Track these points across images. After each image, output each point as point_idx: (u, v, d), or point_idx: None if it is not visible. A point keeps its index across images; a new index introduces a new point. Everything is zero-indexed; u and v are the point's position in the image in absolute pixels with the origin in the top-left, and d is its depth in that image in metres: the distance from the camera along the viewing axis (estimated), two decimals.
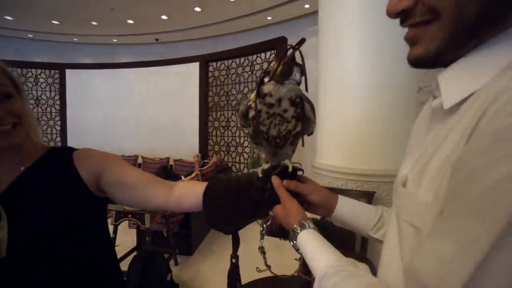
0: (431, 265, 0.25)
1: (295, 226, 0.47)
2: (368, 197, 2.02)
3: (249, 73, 4.61)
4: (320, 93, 2.49)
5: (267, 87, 0.50)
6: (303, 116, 0.51)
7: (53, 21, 5.21)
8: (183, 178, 3.25)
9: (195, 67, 5.09)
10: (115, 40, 6.27)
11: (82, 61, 6.27)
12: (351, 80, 2.15)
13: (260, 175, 0.53)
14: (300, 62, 0.51)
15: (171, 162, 4.63)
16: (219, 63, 4.97)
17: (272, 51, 4.27)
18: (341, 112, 2.24)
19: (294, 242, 0.47)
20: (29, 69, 5.88)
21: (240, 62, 4.70)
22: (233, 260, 0.95)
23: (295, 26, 4.91)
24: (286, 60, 0.49)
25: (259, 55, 4.48)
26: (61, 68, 5.86)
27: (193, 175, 2.98)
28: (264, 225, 0.57)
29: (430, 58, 0.32)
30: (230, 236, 0.92)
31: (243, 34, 5.41)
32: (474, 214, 0.23)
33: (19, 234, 0.51)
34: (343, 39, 2.23)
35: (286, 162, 0.55)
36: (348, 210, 0.56)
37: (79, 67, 5.88)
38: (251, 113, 0.52)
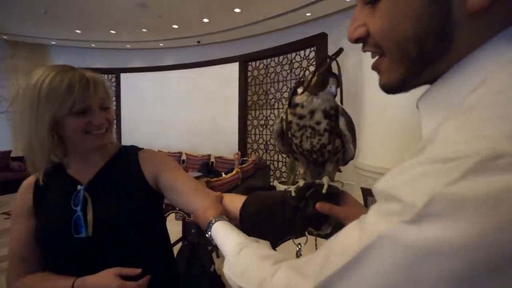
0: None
1: (210, 218, 0.52)
2: None
3: (288, 71, 4.59)
4: (365, 91, 2.39)
5: (300, 98, 0.48)
6: (338, 131, 0.49)
7: (111, 31, 5.81)
8: (223, 174, 3.41)
9: (234, 67, 5.24)
10: (162, 44, 6.74)
11: (134, 65, 6.88)
12: None
13: (293, 194, 0.51)
14: (337, 73, 0.48)
15: (212, 159, 4.86)
16: (258, 62, 5.04)
17: (312, 48, 4.19)
18: (388, 109, 2.12)
19: (209, 233, 0.50)
20: None
21: (279, 60, 4.71)
22: None
23: (336, 21, 4.72)
24: (322, 70, 0.47)
25: (298, 52, 4.43)
26: (116, 72, 6.53)
27: (234, 172, 3.10)
28: (300, 245, 0.55)
29: (395, 88, 0.32)
30: None
31: (282, 32, 5.38)
32: None
33: (101, 217, 0.61)
34: None
35: (324, 180, 0.52)
36: None
37: (131, 71, 6.48)
38: (284, 125, 0.51)
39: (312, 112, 0.47)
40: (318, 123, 0.47)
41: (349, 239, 0.25)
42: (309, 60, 4.26)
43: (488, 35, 0.25)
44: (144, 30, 5.77)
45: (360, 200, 2.12)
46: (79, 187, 0.63)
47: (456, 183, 0.18)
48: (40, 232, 0.62)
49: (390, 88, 0.32)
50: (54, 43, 6.69)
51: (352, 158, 0.54)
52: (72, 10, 4.77)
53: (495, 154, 0.18)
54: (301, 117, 0.48)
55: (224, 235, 0.47)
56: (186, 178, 0.69)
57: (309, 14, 4.83)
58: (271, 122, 4.89)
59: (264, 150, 5.03)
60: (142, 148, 0.74)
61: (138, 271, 0.58)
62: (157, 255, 0.70)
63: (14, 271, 0.62)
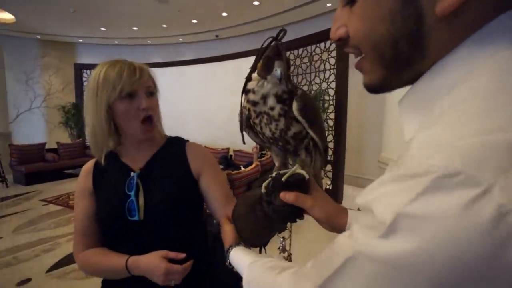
0: None
1: (227, 246, 0.53)
2: None
3: (308, 64, 4.52)
4: None
5: (251, 83, 0.47)
6: (293, 115, 0.46)
7: (133, 28, 6.00)
8: (242, 168, 3.47)
9: (252, 61, 5.23)
10: (181, 40, 6.86)
11: (155, 61, 7.07)
12: None
13: (263, 189, 0.49)
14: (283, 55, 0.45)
15: (231, 153, 4.94)
16: None
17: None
18: None
19: (228, 261, 0.51)
20: None
21: (298, 53, 4.64)
22: None
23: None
24: (267, 53, 0.45)
25: (318, 45, 4.34)
26: None
27: (254, 165, 3.15)
28: (283, 239, 0.54)
29: (377, 88, 0.31)
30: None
31: (302, 24, 5.29)
32: None
33: (151, 203, 0.66)
34: None
35: (292, 170, 0.49)
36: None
37: (152, 66, 6.65)
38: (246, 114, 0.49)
39: (264, 98, 0.45)
40: (271, 108, 0.45)
41: (338, 247, 0.26)
42: (329, 52, 4.17)
43: (460, 38, 0.24)
44: (164, 25, 5.90)
45: None
46: (132, 173, 0.69)
47: (416, 201, 0.19)
48: (99, 213, 0.70)
49: (372, 88, 0.32)
50: (81, 41, 7.01)
51: (324, 146, 0.51)
52: (97, 8, 4.97)
53: (448, 172, 0.18)
54: (254, 103, 0.47)
55: (239, 258, 0.49)
56: (221, 186, 0.74)
57: (330, 4, 4.70)
58: None
59: None
60: (188, 140, 0.79)
61: (182, 255, 0.64)
62: (197, 241, 0.75)
63: (77, 244, 0.71)
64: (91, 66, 6.98)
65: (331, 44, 4.11)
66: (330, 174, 4.18)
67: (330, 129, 4.11)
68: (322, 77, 4.32)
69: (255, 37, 6.04)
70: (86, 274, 0.72)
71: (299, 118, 0.46)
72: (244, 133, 0.55)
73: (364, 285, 0.22)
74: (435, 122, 0.23)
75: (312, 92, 4.36)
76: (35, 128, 6.88)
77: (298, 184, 0.48)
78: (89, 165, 0.75)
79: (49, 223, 3.15)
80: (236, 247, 0.51)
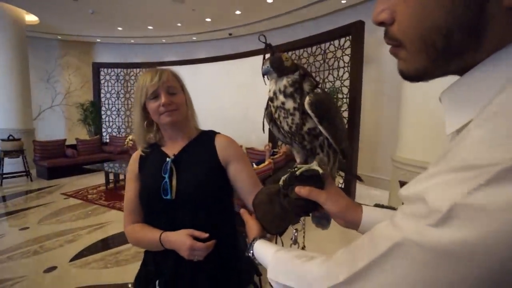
0: None
1: (251, 239, 0.53)
2: None
3: (321, 62, 4.48)
4: (405, 83, 2.27)
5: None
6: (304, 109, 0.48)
7: (148, 27, 6.13)
8: (254, 165, 3.50)
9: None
10: (195, 38, 6.95)
11: (169, 59, 7.20)
12: None
13: (281, 182, 0.52)
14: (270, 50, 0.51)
15: (244, 150, 4.99)
16: (290, 53, 4.98)
17: (347, 37, 4.03)
18: (429, 102, 2.01)
19: (251, 251, 0.51)
20: (132, 69, 7.13)
21: (311, 51, 4.61)
22: None
23: (373, 8, 4.47)
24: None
25: (332, 42, 4.29)
26: (154, 66, 6.88)
27: (267, 162, 3.17)
28: (296, 230, 0.57)
29: (413, 77, 0.30)
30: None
31: (316, 21, 5.24)
32: None
33: (182, 184, 0.76)
34: None
35: (310, 165, 0.52)
36: (374, 222, 0.48)
37: (167, 65, 6.80)
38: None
39: (275, 93, 0.50)
40: (283, 103, 0.49)
41: (379, 235, 0.26)
42: (343, 50, 4.12)
43: None
44: (178, 24, 6.00)
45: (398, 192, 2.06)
46: (167, 159, 0.79)
47: (477, 191, 0.19)
48: (140, 193, 0.82)
49: (409, 76, 0.30)
50: (99, 40, 7.24)
51: (339, 147, 0.52)
52: (115, 9, 5.12)
53: None
54: (271, 99, 0.51)
55: (264, 248, 0.49)
56: (248, 175, 0.82)
57: (344, 1, 4.63)
58: None
59: None
60: (219, 133, 0.88)
61: (206, 235, 0.72)
62: (224, 224, 0.82)
63: (126, 219, 0.83)
64: (108, 65, 7.21)
65: (345, 41, 4.06)
66: (342, 173, 4.14)
67: None
68: (335, 75, 4.28)
69: (268, 35, 6.02)
70: (132, 243, 0.84)
71: (309, 112, 0.48)
72: (266, 124, 0.58)
73: (411, 272, 0.22)
74: (494, 116, 0.22)
75: (326, 90, 4.33)
76: (56, 125, 7.19)
77: (312, 179, 0.50)
78: (136, 153, 0.88)
79: (70, 216, 3.30)
80: (260, 240, 0.52)
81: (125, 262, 2.26)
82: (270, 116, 0.55)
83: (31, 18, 5.55)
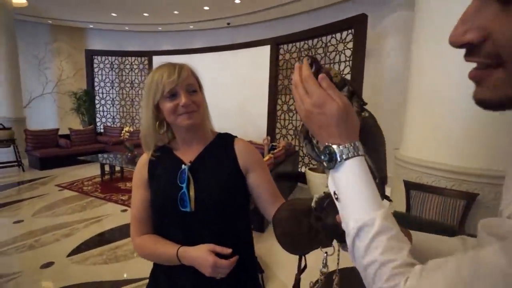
0: None
1: (346, 145, 0.36)
2: (468, 199, 1.81)
3: (322, 55, 4.40)
4: (413, 76, 2.24)
5: None
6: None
7: (144, 14, 5.91)
8: None
9: (265, 50, 5.13)
10: (192, 27, 6.74)
11: (165, 48, 7.00)
12: (454, 67, 1.86)
13: (313, 204, 0.48)
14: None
15: None
16: (290, 45, 4.89)
17: (350, 31, 3.95)
18: (437, 101, 1.99)
19: (333, 167, 0.36)
20: (126, 57, 6.92)
21: (312, 43, 4.52)
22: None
23: (377, 1, 4.39)
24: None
25: (334, 35, 4.21)
26: (149, 55, 6.70)
27: (267, 157, 3.14)
28: (327, 254, 0.53)
29: (496, 105, 0.27)
30: None
31: (317, 13, 5.13)
32: None
33: (202, 195, 0.70)
34: (449, 16, 1.91)
35: None
36: (427, 250, 0.44)
37: (162, 54, 6.61)
38: None
39: None
40: None
41: (487, 263, 0.25)
42: (345, 44, 4.05)
43: None
44: (175, 12, 5.79)
45: (403, 193, 2.07)
46: (183, 166, 0.72)
47: None
48: (153, 203, 0.75)
49: (488, 104, 0.28)
50: (92, 26, 6.96)
51: (379, 175, 0.44)
52: None
53: None
54: None
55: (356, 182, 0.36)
56: (269, 184, 0.77)
57: None
58: None
59: (293, 136, 5.00)
60: (236, 136, 0.82)
61: (229, 251, 0.67)
62: (243, 235, 0.78)
63: (134, 229, 0.76)
64: (102, 53, 6.96)
65: (347, 34, 3.99)
66: None
67: None
68: (337, 69, 4.21)
69: (268, 25, 5.90)
70: (140, 256, 0.77)
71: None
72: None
73: None
74: None
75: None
76: (47, 114, 6.97)
77: None
78: (144, 157, 0.79)
79: (66, 208, 3.23)
80: (359, 157, 0.39)
81: (124, 257, 2.23)
82: (306, 133, 0.50)
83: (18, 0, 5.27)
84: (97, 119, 7.13)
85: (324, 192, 0.50)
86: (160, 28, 6.92)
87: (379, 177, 0.49)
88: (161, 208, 0.73)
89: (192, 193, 0.70)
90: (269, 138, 4.35)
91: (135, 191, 0.78)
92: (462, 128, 1.88)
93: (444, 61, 1.94)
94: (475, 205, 1.82)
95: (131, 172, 4.85)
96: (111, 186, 4.12)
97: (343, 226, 0.38)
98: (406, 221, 1.79)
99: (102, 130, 6.80)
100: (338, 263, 0.58)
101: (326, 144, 0.38)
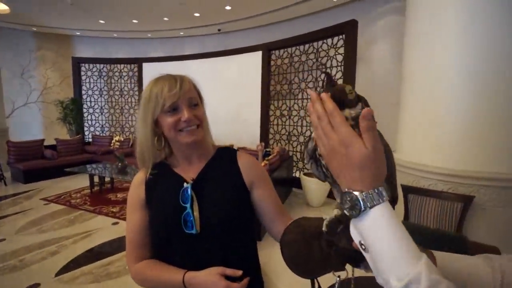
0: None
1: (370, 191, 0.32)
2: (465, 201, 1.81)
3: (314, 60, 4.44)
4: (406, 80, 2.26)
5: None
6: None
7: (133, 21, 5.82)
8: None
9: (257, 56, 5.13)
10: (182, 33, 6.69)
11: (154, 55, 6.90)
12: (447, 65, 1.89)
13: (324, 228, 0.46)
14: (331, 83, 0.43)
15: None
16: (281, 51, 4.90)
17: (341, 36, 4.00)
18: (431, 104, 2.01)
19: (356, 216, 0.33)
20: (115, 65, 6.78)
21: (304, 49, 4.55)
22: None
23: (366, 7, 4.48)
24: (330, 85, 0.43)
25: (325, 41, 4.25)
26: (139, 62, 6.59)
27: (262, 164, 3.09)
28: (339, 277, 0.51)
29: None
30: None
31: (307, 18, 5.19)
32: None
33: (207, 214, 0.65)
34: (440, 20, 1.94)
35: None
36: (452, 272, 0.41)
37: (152, 60, 6.52)
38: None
39: None
40: None
41: None
42: (336, 49, 4.09)
43: None
44: (165, 18, 5.73)
45: (400, 197, 2.06)
46: (185, 184, 0.67)
47: None
48: (153, 225, 0.68)
49: None
50: (79, 33, 6.80)
51: (390, 195, 0.43)
52: (97, 0, 4.79)
53: None
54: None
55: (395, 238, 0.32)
56: (274, 200, 0.73)
57: None
58: (294, 113, 4.81)
59: (286, 141, 4.98)
60: (237, 150, 0.77)
61: (239, 272, 0.62)
62: (250, 253, 0.74)
63: (131, 255, 0.70)
64: (89, 60, 6.81)
65: (338, 40, 4.03)
66: None
67: None
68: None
69: (260, 31, 5.92)
70: (138, 285, 0.71)
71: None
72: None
73: None
74: None
75: (319, 89, 4.30)
76: (31, 124, 6.71)
77: None
78: (140, 176, 0.73)
79: (53, 224, 3.07)
80: (386, 203, 0.35)
81: (117, 274, 2.12)
82: (313, 152, 0.47)
83: (0, 6, 5.09)
84: (85, 128, 6.91)
85: (334, 216, 0.47)
86: (149, 35, 6.83)
87: (392, 197, 0.47)
88: (163, 231, 0.67)
89: (196, 213, 0.64)
90: (263, 144, 4.31)
91: (130, 213, 0.71)
92: (457, 131, 1.89)
93: (436, 65, 1.96)
94: (471, 207, 1.82)
95: (122, 182, 4.70)
96: (101, 198, 3.96)
97: (380, 281, 0.33)
98: (411, 231, 1.78)
99: (90, 140, 6.59)
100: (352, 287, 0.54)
101: (347, 190, 0.34)
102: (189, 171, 0.71)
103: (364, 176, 0.33)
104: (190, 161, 0.72)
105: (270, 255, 2.38)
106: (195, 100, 0.68)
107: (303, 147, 4.68)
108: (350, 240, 0.41)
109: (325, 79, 0.48)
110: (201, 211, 0.65)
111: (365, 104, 0.43)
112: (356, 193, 0.33)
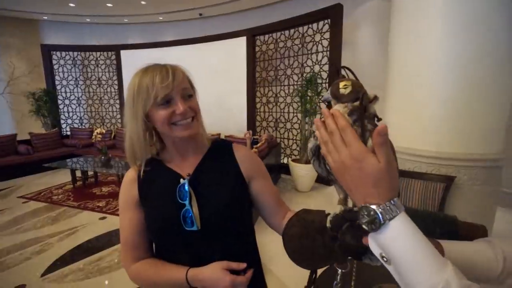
0: None
1: (387, 203, 0.32)
2: (447, 182, 1.91)
3: (299, 46, 4.38)
4: (392, 65, 2.29)
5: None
6: None
7: (107, 4, 5.43)
8: None
9: (241, 41, 5.00)
10: (161, 18, 6.36)
11: (133, 41, 6.54)
12: (431, 51, 1.93)
13: (328, 224, 0.48)
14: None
15: (222, 138, 4.83)
16: (266, 36, 4.80)
17: (326, 21, 3.96)
18: (414, 88, 2.05)
19: (376, 230, 0.33)
20: (90, 52, 6.36)
21: (289, 34, 4.48)
22: None
23: None
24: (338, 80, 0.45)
25: (310, 26, 4.20)
26: (116, 50, 6.23)
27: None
28: (340, 271, 0.53)
29: None
30: None
31: (292, 2, 5.07)
32: None
33: (208, 210, 0.63)
34: (426, 5, 1.95)
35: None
36: (458, 260, 0.43)
37: (130, 48, 6.17)
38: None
39: None
40: None
41: None
42: (322, 34, 4.06)
43: None
44: (143, 2, 5.40)
45: None
46: (182, 180, 0.64)
47: None
48: (151, 224, 0.65)
49: None
50: (46, 18, 6.28)
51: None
52: None
53: None
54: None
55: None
56: (273, 192, 0.73)
57: None
58: (281, 99, 4.79)
59: (274, 128, 4.98)
60: (232, 142, 0.75)
61: (243, 265, 0.61)
62: (251, 246, 0.73)
63: (127, 257, 0.67)
64: (61, 48, 6.34)
65: (324, 24, 3.99)
66: None
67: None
68: (314, 60, 4.23)
69: (243, 16, 5.74)
70: (138, 285, 0.68)
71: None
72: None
73: None
74: None
75: (305, 74, 4.28)
76: (0, 118, 6.24)
77: None
78: (131, 173, 0.69)
79: (34, 222, 2.93)
80: (405, 215, 0.37)
81: (109, 269, 2.07)
82: (316, 150, 0.47)
83: None
84: (62, 121, 6.54)
85: (339, 212, 0.48)
86: (126, 20, 6.43)
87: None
88: (162, 230, 0.64)
89: (195, 209, 0.62)
90: (250, 132, 4.29)
91: (123, 213, 0.68)
92: (440, 115, 1.96)
93: (422, 50, 1.99)
94: (453, 187, 1.92)
95: (106, 176, 4.54)
96: (86, 193, 3.81)
97: None
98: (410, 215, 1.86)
99: (68, 133, 6.26)
100: (353, 279, 0.56)
101: (363, 204, 0.34)
102: (184, 166, 0.67)
103: (379, 190, 0.33)
104: (185, 156, 0.68)
105: (261, 241, 2.42)
106: (189, 91, 0.64)
107: (289, 133, 4.71)
108: (355, 237, 0.43)
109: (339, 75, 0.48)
110: (201, 207, 0.62)
111: (366, 100, 0.43)
112: (373, 207, 0.33)
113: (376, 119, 0.44)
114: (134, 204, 0.67)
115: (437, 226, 0.92)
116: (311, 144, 0.48)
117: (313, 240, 0.50)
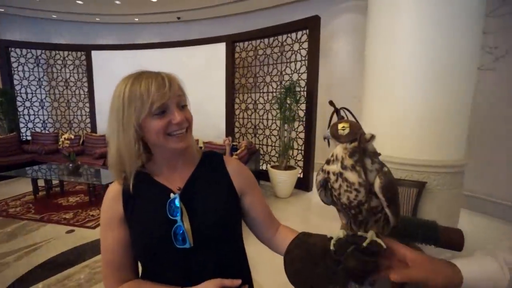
0: None
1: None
2: (419, 187, 2.04)
3: (278, 54, 4.47)
4: (368, 77, 2.41)
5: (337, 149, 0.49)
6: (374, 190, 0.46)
7: (77, 1, 5.13)
8: None
9: (221, 47, 4.98)
10: (137, 20, 6.15)
11: (105, 42, 6.23)
12: (404, 65, 2.07)
13: (332, 247, 0.49)
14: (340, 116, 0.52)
15: (201, 144, 4.73)
16: (246, 43, 4.83)
17: (304, 31, 4.09)
18: (390, 99, 2.18)
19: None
20: (57, 52, 5.93)
21: (269, 42, 4.55)
22: None
23: (330, 2, 4.63)
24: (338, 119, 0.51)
25: (289, 35, 4.31)
26: (87, 50, 5.88)
27: None
28: None
29: None
30: None
31: (271, 11, 5.18)
32: None
33: (200, 226, 0.60)
34: (398, 18, 2.10)
35: (368, 234, 0.49)
36: (473, 278, 0.46)
37: (102, 48, 5.86)
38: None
39: (336, 158, 0.48)
40: (345, 178, 0.46)
41: None
42: (301, 44, 4.18)
43: None
44: (117, 2, 5.19)
45: None
46: (172, 195, 0.60)
47: None
48: (138, 242, 0.61)
49: None
50: (3, 10, 5.75)
51: (394, 225, 0.51)
52: None
53: None
54: (327, 161, 0.49)
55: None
56: (264, 206, 0.73)
57: None
58: (260, 106, 4.83)
59: (252, 134, 4.99)
60: (222, 155, 0.73)
61: (238, 281, 0.59)
62: (242, 262, 0.72)
63: (110, 279, 0.62)
64: (21, 44, 5.84)
65: (303, 34, 4.12)
66: (301, 163, 4.32)
67: (301, 120, 4.21)
68: (293, 68, 4.34)
69: (222, 22, 5.74)
70: None
71: (380, 195, 0.46)
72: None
73: None
74: None
75: (284, 82, 4.37)
76: None
77: (375, 253, 0.48)
78: (115, 188, 0.64)
79: None
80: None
81: None
82: (324, 183, 0.51)
83: None
84: (22, 125, 5.98)
85: (343, 236, 0.50)
86: (98, 19, 6.12)
87: (394, 224, 0.53)
88: (150, 248, 0.60)
89: (187, 225, 0.59)
90: (230, 138, 4.25)
91: (106, 232, 0.62)
92: (412, 124, 2.10)
93: (394, 65, 2.13)
94: (424, 192, 2.06)
95: (74, 185, 4.20)
96: (50, 204, 3.49)
97: None
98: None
99: (29, 138, 5.73)
100: None
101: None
102: (173, 180, 0.64)
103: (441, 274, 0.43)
104: (174, 169, 0.65)
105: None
106: (184, 101, 0.62)
107: (268, 139, 4.75)
108: (360, 261, 0.45)
109: (335, 113, 0.52)
110: (193, 222, 0.59)
111: (363, 141, 0.48)
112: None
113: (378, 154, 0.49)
114: (119, 222, 0.62)
115: (420, 229, 0.97)
116: (319, 177, 0.51)
117: (314, 264, 0.50)
